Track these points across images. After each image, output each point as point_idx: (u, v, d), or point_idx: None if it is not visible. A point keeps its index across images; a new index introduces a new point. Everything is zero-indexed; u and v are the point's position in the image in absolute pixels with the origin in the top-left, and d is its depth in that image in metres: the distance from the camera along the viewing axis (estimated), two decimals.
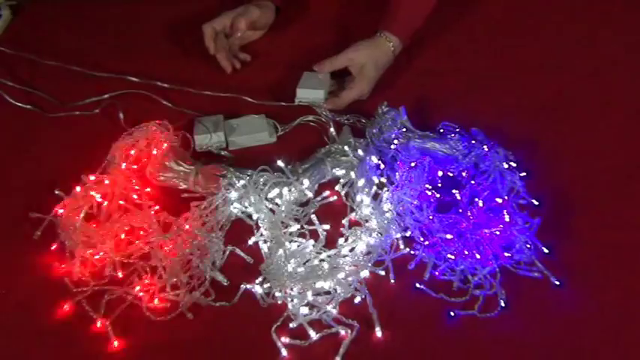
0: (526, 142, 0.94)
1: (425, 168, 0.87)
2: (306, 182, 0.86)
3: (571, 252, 0.81)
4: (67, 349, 0.73)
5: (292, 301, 0.75)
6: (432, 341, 0.73)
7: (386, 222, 0.82)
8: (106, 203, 0.85)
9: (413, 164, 0.86)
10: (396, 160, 0.89)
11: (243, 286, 0.77)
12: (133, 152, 0.91)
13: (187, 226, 0.82)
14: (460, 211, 0.84)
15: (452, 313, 0.75)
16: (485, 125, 0.93)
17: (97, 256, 0.80)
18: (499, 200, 0.83)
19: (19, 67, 1.11)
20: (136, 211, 0.84)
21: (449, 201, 0.86)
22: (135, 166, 0.90)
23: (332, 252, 0.80)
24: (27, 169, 0.95)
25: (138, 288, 0.77)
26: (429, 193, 0.85)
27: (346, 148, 0.90)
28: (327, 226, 0.84)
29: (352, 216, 0.85)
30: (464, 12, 1.23)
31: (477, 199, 0.83)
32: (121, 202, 0.86)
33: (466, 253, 0.79)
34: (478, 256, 0.78)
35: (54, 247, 0.82)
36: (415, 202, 0.84)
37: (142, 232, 0.82)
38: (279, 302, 0.76)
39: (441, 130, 0.93)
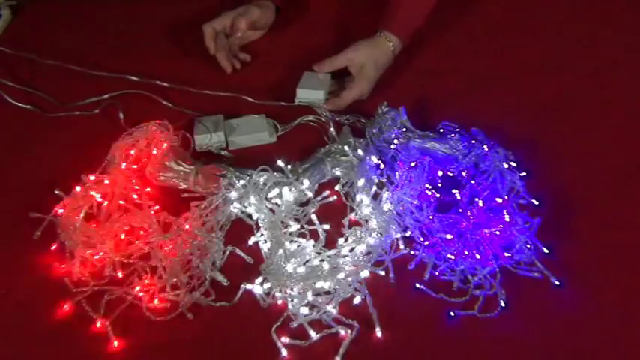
0: (526, 142, 0.94)
1: (425, 168, 0.87)
2: (306, 182, 0.86)
3: (571, 252, 0.81)
4: (67, 349, 0.73)
5: (292, 301, 0.75)
6: (432, 341, 0.73)
7: (386, 222, 0.82)
8: (106, 203, 0.85)
9: (413, 164, 0.86)
10: (396, 160, 0.89)
11: (243, 286, 0.77)
12: (133, 152, 0.91)
13: (187, 226, 0.82)
14: (460, 211, 0.84)
15: (452, 313, 0.75)
16: (485, 125, 0.93)
17: (97, 256, 0.80)
18: (499, 200, 0.83)
19: (19, 67, 1.11)
20: (136, 211, 0.84)
21: (449, 201, 0.86)
22: (135, 166, 0.90)
23: (332, 252, 0.80)
24: (27, 169, 0.95)
25: (138, 288, 0.77)
26: (429, 193, 0.85)
27: (346, 148, 0.90)
28: (327, 226, 0.84)
29: (352, 216, 0.85)
30: (464, 12, 1.23)
31: (477, 199, 0.83)
32: (121, 202, 0.86)
33: (466, 253, 0.79)
34: (478, 256, 0.78)
35: (54, 247, 0.82)
36: (415, 202, 0.84)
37: (142, 232, 0.82)
38: (279, 302, 0.76)
39: (441, 130, 0.93)
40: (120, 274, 0.79)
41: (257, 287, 0.77)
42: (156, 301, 0.76)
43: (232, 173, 0.87)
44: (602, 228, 0.84)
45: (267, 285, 0.77)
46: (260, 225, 0.84)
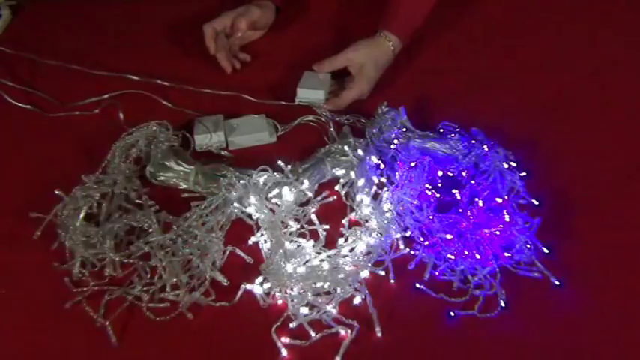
0: (526, 142, 0.94)
1: (425, 168, 0.87)
2: (306, 182, 0.86)
3: (571, 252, 0.81)
4: (67, 349, 0.73)
5: (292, 301, 0.75)
6: (432, 341, 0.73)
7: (386, 222, 0.82)
8: (105, 203, 0.85)
9: (413, 164, 0.86)
10: (396, 160, 0.89)
11: (243, 286, 0.77)
12: (133, 152, 0.91)
13: (187, 226, 0.82)
14: (460, 211, 0.84)
15: (452, 313, 0.75)
16: (485, 125, 0.93)
17: (97, 256, 0.80)
18: (499, 200, 0.83)
19: (19, 67, 1.11)
20: (136, 211, 0.84)
21: (449, 201, 0.86)
22: (135, 166, 0.90)
23: (332, 252, 0.80)
24: (27, 169, 0.95)
25: (138, 288, 0.77)
26: (429, 193, 0.85)
27: (346, 148, 0.90)
28: (327, 226, 0.84)
29: (352, 216, 0.85)
30: (464, 12, 1.23)
31: (477, 199, 0.83)
32: (121, 202, 0.86)
33: (466, 253, 0.79)
34: (478, 256, 0.78)
35: (54, 247, 0.82)
36: (415, 202, 0.84)
37: (142, 232, 0.82)
38: (279, 302, 0.76)
39: (441, 130, 0.93)
40: (120, 274, 0.79)
41: (257, 287, 0.77)
42: (156, 301, 0.76)
43: (232, 173, 0.87)
44: (602, 228, 0.84)
45: (267, 285, 0.77)
46: (260, 225, 0.83)
